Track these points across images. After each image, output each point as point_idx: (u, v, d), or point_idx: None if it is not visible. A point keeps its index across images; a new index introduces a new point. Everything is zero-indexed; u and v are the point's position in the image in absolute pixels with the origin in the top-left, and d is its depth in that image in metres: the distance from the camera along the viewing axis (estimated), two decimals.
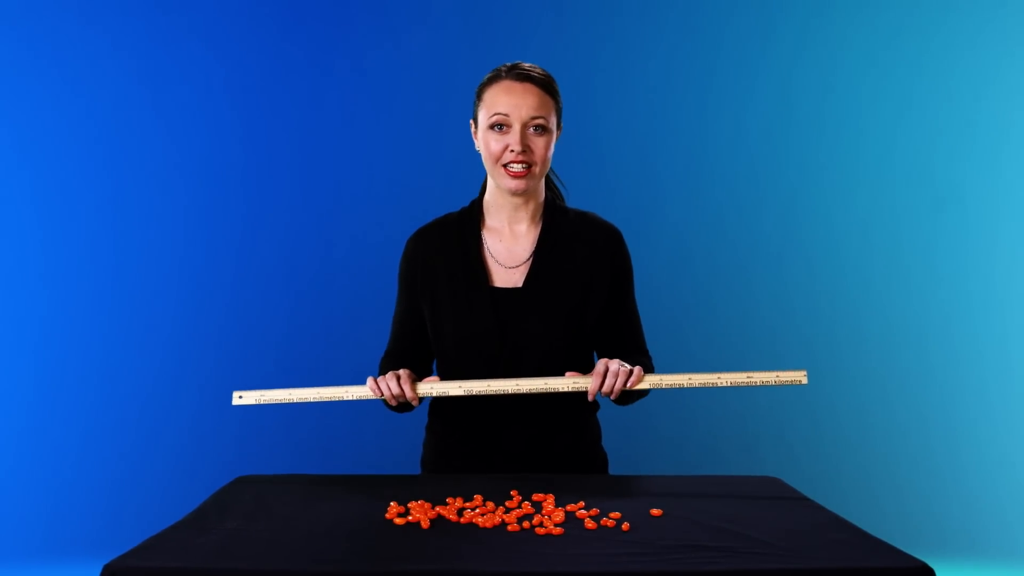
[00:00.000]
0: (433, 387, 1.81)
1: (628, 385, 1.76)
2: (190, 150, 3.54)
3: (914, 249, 3.60)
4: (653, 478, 1.81)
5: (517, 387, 1.78)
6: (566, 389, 1.79)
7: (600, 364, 1.79)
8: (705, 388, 1.73)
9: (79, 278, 3.48)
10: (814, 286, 3.61)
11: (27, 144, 3.48)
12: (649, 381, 1.77)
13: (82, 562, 3.14)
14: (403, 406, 1.86)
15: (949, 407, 3.57)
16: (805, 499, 1.63)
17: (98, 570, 1.27)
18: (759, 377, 1.71)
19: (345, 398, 1.81)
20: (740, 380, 1.71)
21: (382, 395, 1.80)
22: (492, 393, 1.79)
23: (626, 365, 1.79)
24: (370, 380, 1.82)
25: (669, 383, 1.75)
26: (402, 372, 1.81)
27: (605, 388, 1.77)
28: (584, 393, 1.82)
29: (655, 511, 1.50)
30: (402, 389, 1.79)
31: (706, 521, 1.45)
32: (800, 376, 1.71)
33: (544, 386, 1.78)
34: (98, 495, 3.42)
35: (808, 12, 3.63)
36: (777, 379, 1.70)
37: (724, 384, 1.72)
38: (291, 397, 1.81)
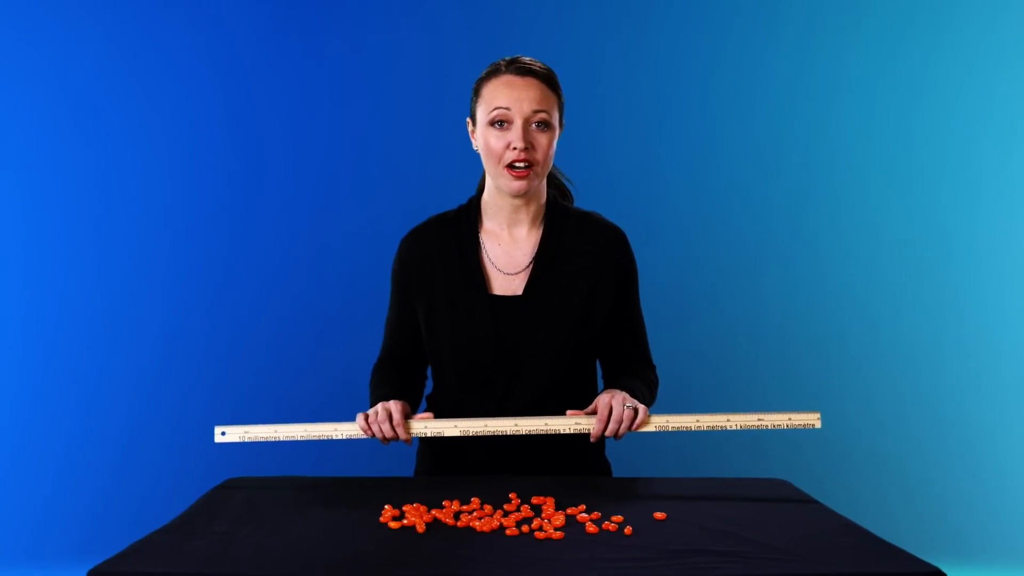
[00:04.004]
0: (427, 426, 1.74)
1: (633, 428, 1.71)
2: (177, 145, 3.49)
3: (927, 247, 3.56)
4: (657, 480, 1.78)
5: (516, 427, 1.71)
6: (568, 431, 1.72)
7: (603, 405, 1.71)
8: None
9: (62, 277, 3.44)
10: (824, 285, 3.57)
11: (4, 137, 3.44)
12: (655, 423, 1.71)
13: (67, 567, 3.12)
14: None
15: (962, 408, 3.53)
16: (813, 502, 1.61)
17: (83, 575, 1.25)
18: (770, 420, 1.67)
19: (334, 436, 1.74)
20: (751, 423, 1.67)
21: (373, 436, 1.74)
22: (489, 434, 1.72)
23: (631, 403, 1.71)
24: (360, 419, 1.73)
25: (676, 425, 1.70)
26: (393, 408, 1.72)
27: (608, 432, 1.71)
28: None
29: (659, 514, 1.48)
30: (395, 432, 1.72)
31: (711, 525, 1.43)
32: (813, 419, 1.66)
33: (544, 426, 1.72)
34: (84, 498, 3.38)
35: (816, 3, 3.59)
36: (789, 422, 1.67)
37: (734, 427, 1.68)
38: (277, 434, 1.74)
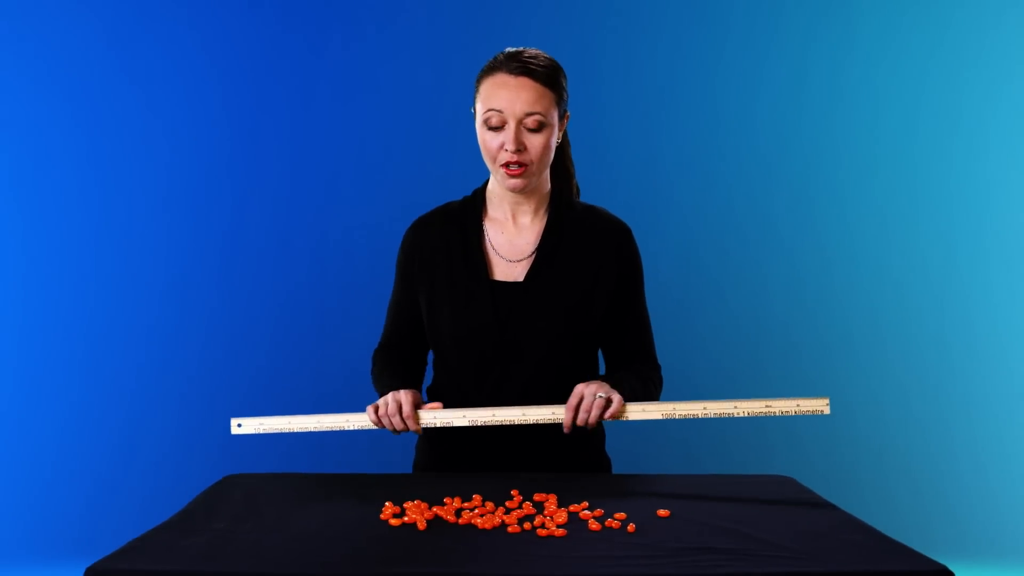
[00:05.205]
0: (436, 416, 1.75)
1: (606, 416, 1.69)
2: (175, 139, 3.48)
3: (933, 242, 3.54)
4: (660, 477, 1.76)
5: (493, 417, 1.71)
6: (543, 420, 1.72)
7: (575, 394, 1.71)
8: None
9: (59, 274, 3.44)
10: (829, 279, 3.56)
11: (4, 134, 3.43)
12: (636, 410, 1.69)
13: (65, 564, 3.11)
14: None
15: (969, 403, 3.51)
16: (819, 499, 1.59)
17: (81, 572, 1.24)
18: (778, 407, 1.63)
19: (345, 427, 1.76)
20: (758, 409, 1.64)
21: (383, 428, 1.75)
22: (468, 424, 1.72)
23: (604, 393, 1.70)
24: (370, 412, 1.74)
25: (683, 412, 1.67)
26: (404, 400, 1.73)
27: (579, 421, 1.70)
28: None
29: (662, 512, 1.47)
30: (406, 424, 1.73)
31: (716, 522, 1.41)
32: (822, 405, 1.62)
33: (522, 416, 1.71)
34: (81, 495, 3.37)
35: None
36: (798, 408, 1.63)
37: (740, 414, 1.64)
38: (290, 426, 1.77)
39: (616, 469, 1.99)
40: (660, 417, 1.69)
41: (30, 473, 3.39)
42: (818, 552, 1.27)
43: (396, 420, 1.72)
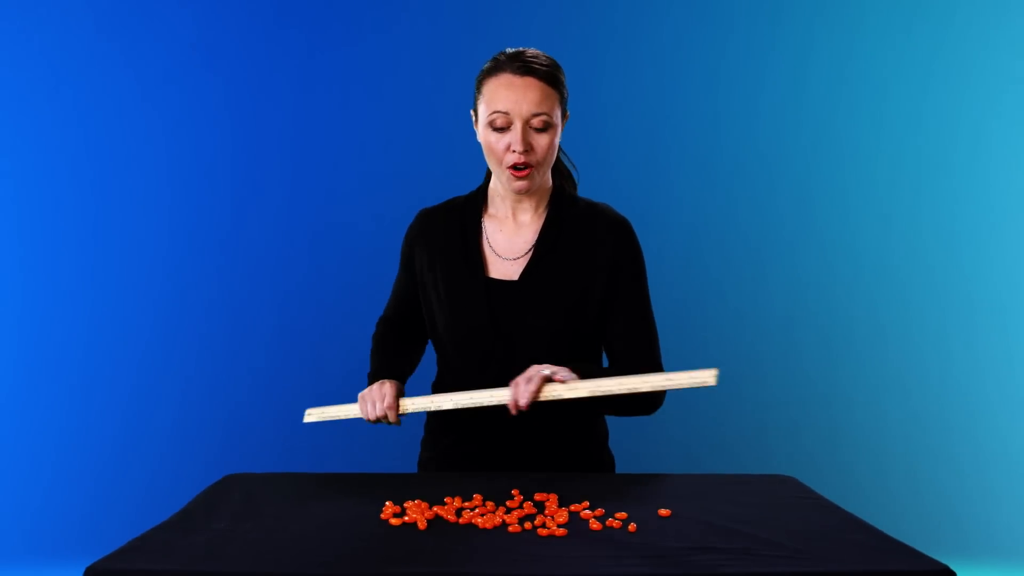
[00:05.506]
0: (415, 402, 1.81)
1: (542, 395, 1.68)
2: (176, 137, 3.48)
3: (935, 240, 3.54)
4: (661, 477, 1.76)
5: (454, 403, 1.77)
6: (491, 402, 1.74)
7: (525, 372, 1.73)
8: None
9: (59, 273, 3.43)
10: (831, 278, 3.55)
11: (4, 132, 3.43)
12: (577, 388, 1.69)
13: (64, 564, 3.11)
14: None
15: (970, 403, 3.51)
16: (820, 499, 1.59)
17: (80, 572, 1.24)
18: (676, 380, 1.66)
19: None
20: (660, 383, 1.69)
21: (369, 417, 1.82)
22: (435, 409, 1.79)
23: (550, 370, 1.70)
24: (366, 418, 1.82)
25: (604, 389, 1.69)
26: (388, 393, 1.79)
27: (521, 399, 1.69)
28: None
29: (663, 511, 1.46)
30: (387, 416, 1.80)
31: (717, 522, 1.41)
32: (708, 376, 1.62)
33: (473, 400, 1.76)
34: (81, 494, 3.37)
35: None
36: (691, 380, 1.65)
37: (647, 388, 1.69)
38: (340, 413, 1.89)
39: (618, 469, 1.98)
40: (586, 394, 1.70)
41: (30, 473, 3.39)
42: (818, 552, 1.27)
43: (384, 420, 1.81)
